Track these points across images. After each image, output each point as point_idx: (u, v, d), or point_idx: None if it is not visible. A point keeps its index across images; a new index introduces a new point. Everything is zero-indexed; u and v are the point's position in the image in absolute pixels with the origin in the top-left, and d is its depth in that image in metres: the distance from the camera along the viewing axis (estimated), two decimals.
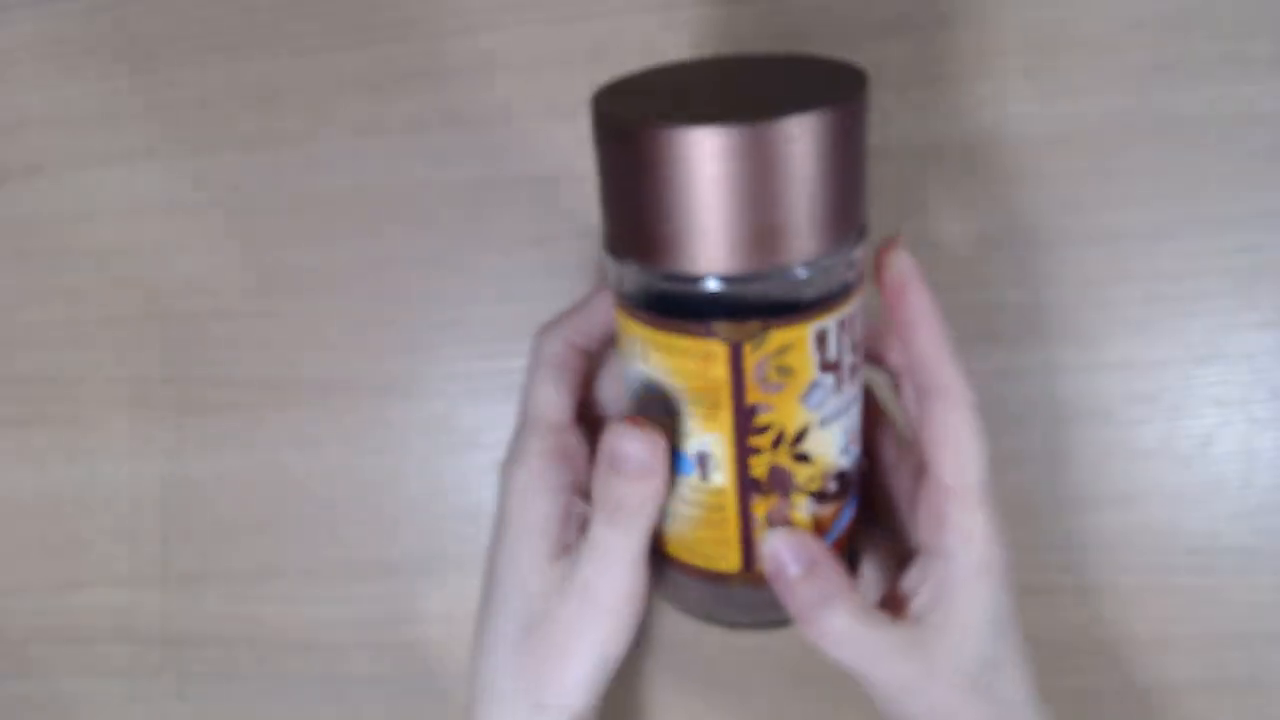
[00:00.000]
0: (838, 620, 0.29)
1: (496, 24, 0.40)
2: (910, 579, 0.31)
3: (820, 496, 0.30)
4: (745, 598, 0.31)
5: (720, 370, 0.27)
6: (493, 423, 0.43)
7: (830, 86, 0.26)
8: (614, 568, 0.30)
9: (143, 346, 0.44)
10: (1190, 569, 0.41)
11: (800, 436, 0.29)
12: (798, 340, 0.27)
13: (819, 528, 0.30)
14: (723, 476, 0.29)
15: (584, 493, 0.32)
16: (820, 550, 0.30)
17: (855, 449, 0.31)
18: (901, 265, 0.30)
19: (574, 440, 0.33)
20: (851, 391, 0.29)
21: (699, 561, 0.31)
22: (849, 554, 0.32)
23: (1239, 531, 0.41)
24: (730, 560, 0.31)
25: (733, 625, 0.33)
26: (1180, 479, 0.41)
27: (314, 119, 0.42)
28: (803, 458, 0.29)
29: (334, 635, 0.45)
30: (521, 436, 0.33)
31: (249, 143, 0.42)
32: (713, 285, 0.26)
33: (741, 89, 0.27)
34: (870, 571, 0.34)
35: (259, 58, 0.41)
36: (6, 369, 0.45)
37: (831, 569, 0.29)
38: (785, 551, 0.29)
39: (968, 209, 0.40)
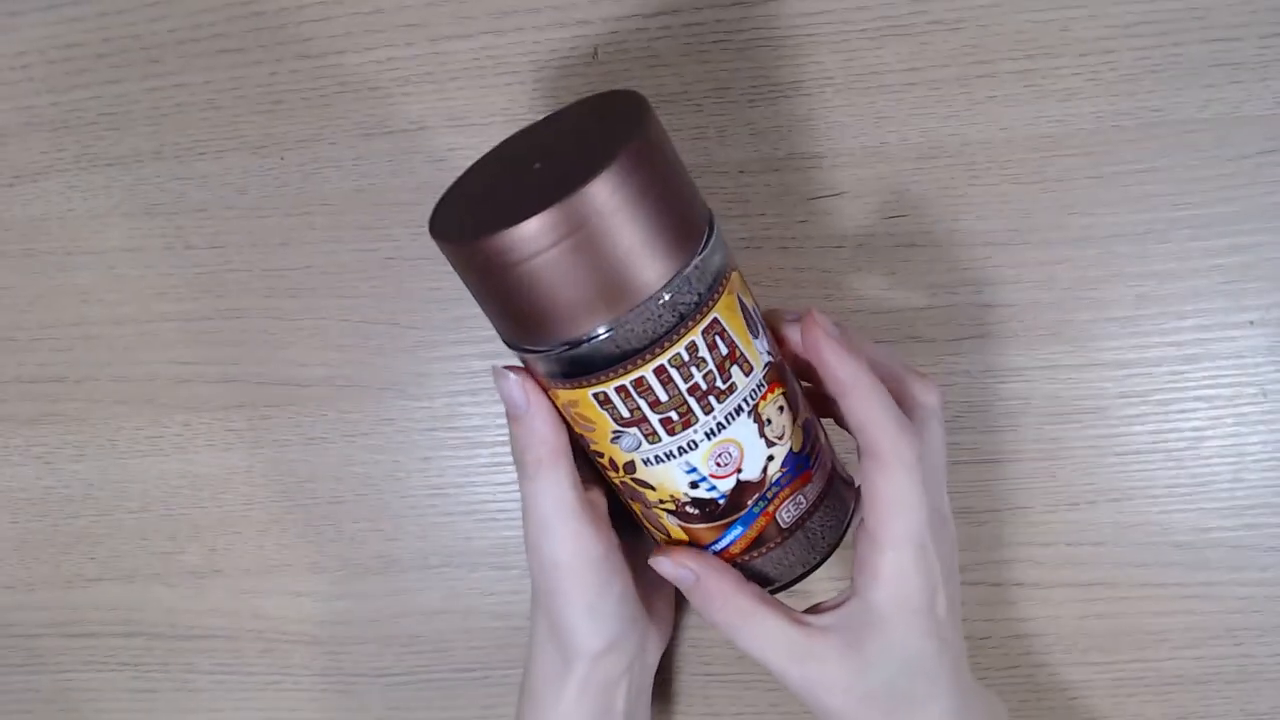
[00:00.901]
0: (716, 602, 0.32)
1: (497, 29, 0.41)
2: (829, 602, 0.33)
3: (679, 516, 0.32)
4: None
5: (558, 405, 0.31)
6: (494, 421, 0.44)
7: (618, 126, 0.28)
8: (549, 518, 0.33)
9: (151, 346, 0.44)
10: (1180, 564, 0.42)
11: (629, 468, 0.31)
12: (580, 399, 0.30)
13: (695, 539, 0.32)
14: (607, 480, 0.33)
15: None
16: (696, 565, 0.32)
17: (723, 482, 0.31)
18: (817, 341, 0.30)
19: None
20: (693, 434, 0.30)
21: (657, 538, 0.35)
22: (751, 567, 0.33)
23: (1229, 527, 0.41)
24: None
25: None
26: (1171, 476, 0.41)
27: (319, 121, 0.42)
28: (642, 484, 0.31)
29: (338, 629, 0.46)
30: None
31: (255, 145, 0.43)
32: (515, 353, 0.30)
33: (546, 165, 0.29)
34: None
35: (266, 61, 0.42)
36: (16, 368, 0.45)
37: (712, 581, 0.32)
38: (667, 569, 0.33)
39: (962, 209, 0.40)
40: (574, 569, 0.33)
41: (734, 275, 0.30)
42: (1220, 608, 0.42)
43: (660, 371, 0.28)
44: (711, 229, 0.29)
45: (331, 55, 0.42)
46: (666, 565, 0.33)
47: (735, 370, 0.29)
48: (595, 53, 0.41)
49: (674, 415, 0.29)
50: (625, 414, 0.29)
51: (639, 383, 0.29)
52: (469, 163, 0.31)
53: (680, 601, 0.43)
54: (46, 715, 0.48)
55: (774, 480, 0.31)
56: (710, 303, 0.29)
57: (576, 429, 0.31)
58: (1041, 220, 0.40)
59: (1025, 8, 0.39)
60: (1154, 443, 0.41)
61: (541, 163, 0.29)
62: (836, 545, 0.34)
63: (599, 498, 0.35)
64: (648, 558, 0.35)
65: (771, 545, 0.32)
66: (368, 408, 0.44)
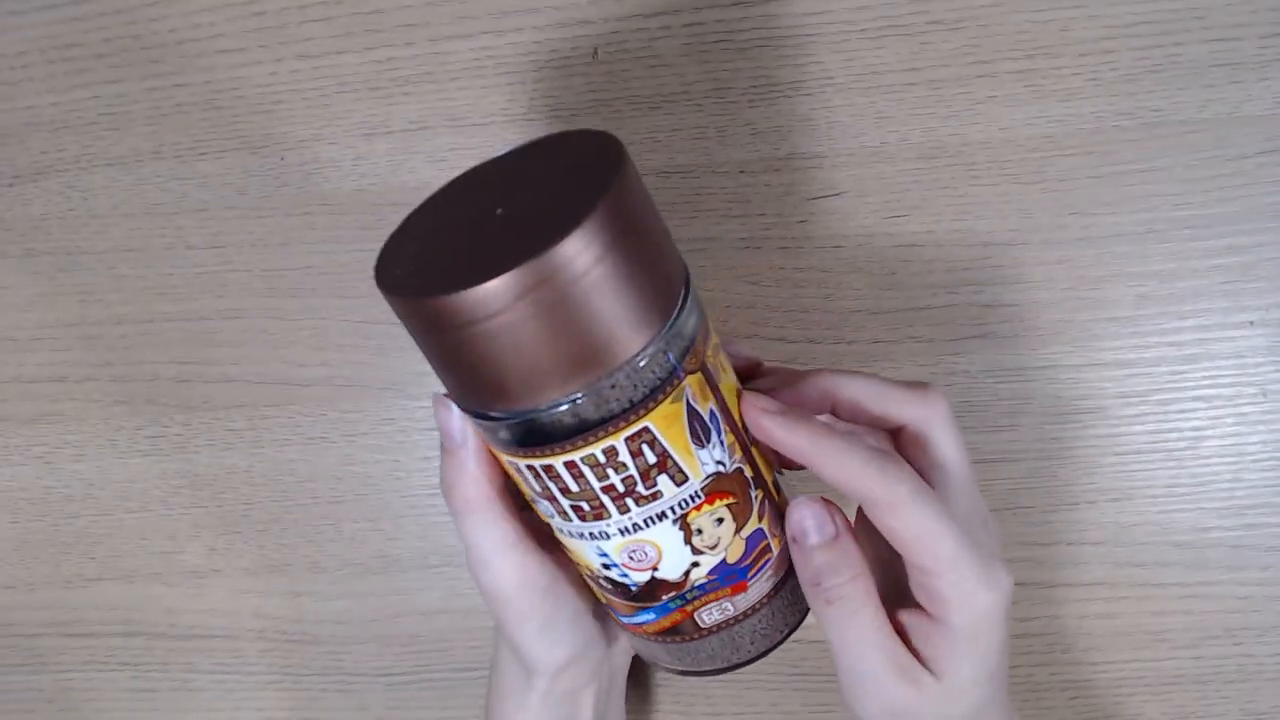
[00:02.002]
0: (846, 584, 0.30)
1: (497, 29, 0.41)
2: (915, 646, 0.31)
3: (600, 585, 0.31)
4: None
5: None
6: None
7: (592, 174, 0.25)
8: (486, 554, 0.32)
9: (150, 346, 0.44)
10: (1180, 564, 0.42)
11: (550, 529, 0.30)
12: (499, 459, 0.29)
13: (613, 607, 0.32)
14: None
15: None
16: (842, 523, 0.30)
17: (636, 574, 0.29)
18: (758, 422, 0.29)
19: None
20: (605, 527, 0.28)
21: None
22: (662, 648, 0.32)
23: (1228, 527, 0.41)
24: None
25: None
26: (1170, 476, 0.41)
27: (319, 121, 0.42)
28: (567, 548, 0.31)
29: (338, 629, 0.46)
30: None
31: (255, 145, 0.43)
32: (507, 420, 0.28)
33: (510, 212, 0.26)
34: None
35: (266, 61, 0.42)
36: (17, 368, 0.45)
37: (848, 542, 0.30)
38: (809, 519, 0.30)
39: (962, 209, 0.40)
40: (520, 599, 0.33)
41: (691, 379, 0.27)
42: (1220, 607, 0.42)
43: (571, 465, 0.26)
44: (669, 322, 0.26)
45: (331, 55, 0.42)
46: (802, 508, 0.30)
47: (663, 479, 0.27)
48: (595, 53, 0.41)
49: (585, 506, 0.28)
50: (537, 489, 0.28)
51: (548, 469, 0.27)
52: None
53: None
54: (46, 715, 0.48)
55: (697, 584, 0.29)
56: (644, 410, 0.26)
57: (522, 492, 0.31)
58: (1041, 220, 0.40)
59: (1025, 8, 0.39)
60: (1154, 443, 0.41)
61: (504, 209, 0.26)
62: (765, 653, 0.32)
63: None
64: None
65: (686, 638, 0.31)
66: (368, 408, 0.44)
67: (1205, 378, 0.41)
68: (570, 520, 0.28)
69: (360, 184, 0.42)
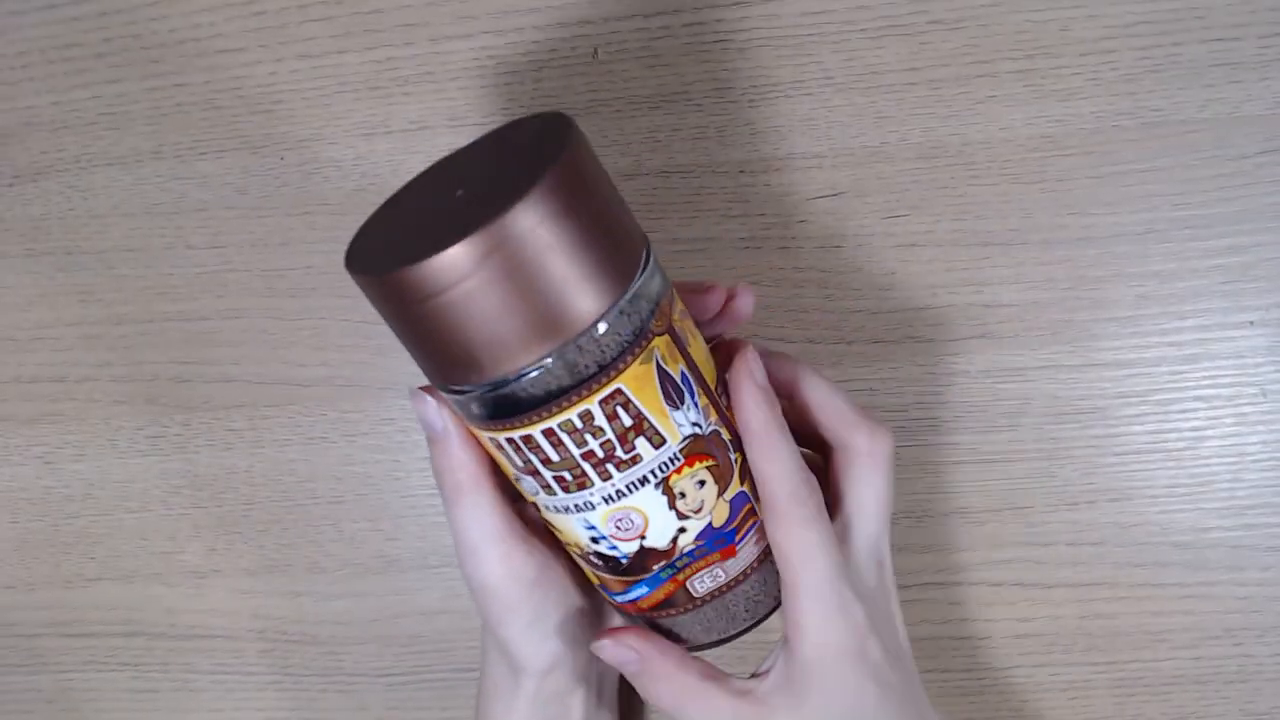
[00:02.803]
0: (661, 686, 0.32)
1: (497, 29, 0.41)
2: (767, 661, 0.33)
3: (587, 562, 0.31)
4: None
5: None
6: None
7: (542, 150, 0.26)
8: (476, 543, 0.32)
9: (150, 346, 0.44)
10: (1180, 564, 0.42)
11: (535, 506, 0.31)
12: (479, 438, 0.30)
13: (605, 585, 0.32)
14: None
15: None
16: (640, 642, 0.32)
17: (624, 544, 0.30)
18: (739, 383, 0.30)
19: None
20: (589, 496, 0.28)
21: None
22: (659, 624, 0.32)
23: (1228, 527, 0.41)
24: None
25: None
26: (1170, 476, 0.41)
27: (319, 121, 0.42)
28: (549, 524, 0.31)
29: (338, 629, 0.46)
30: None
31: (255, 145, 0.43)
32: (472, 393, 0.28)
33: (475, 190, 0.27)
34: None
35: (266, 61, 0.42)
36: (16, 368, 0.45)
37: (653, 653, 0.32)
38: (609, 653, 0.32)
39: (962, 209, 0.40)
40: (506, 592, 0.33)
41: (659, 341, 0.27)
42: (1220, 608, 0.42)
43: (549, 434, 0.27)
44: (630, 285, 0.26)
45: (331, 55, 0.42)
46: (608, 648, 0.32)
47: (641, 442, 0.27)
48: (595, 53, 0.41)
49: (567, 476, 0.28)
50: (519, 463, 0.28)
51: (528, 439, 0.27)
52: None
53: None
54: (46, 715, 0.48)
55: (685, 551, 0.30)
56: (614, 371, 0.26)
57: (501, 469, 0.31)
58: (1041, 220, 0.40)
59: (1025, 8, 0.39)
60: (1153, 443, 0.41)
61: (465, 190, 0.27)
62: (761, 620, 0.33)
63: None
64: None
65: (681, 610, 0.31)
66: (368, 408, 0.44)
67: (1205, 378, 0.41)
68: (555, 494, 0.29)
69: (360, 184, 0.42)
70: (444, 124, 0.42)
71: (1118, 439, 0.41)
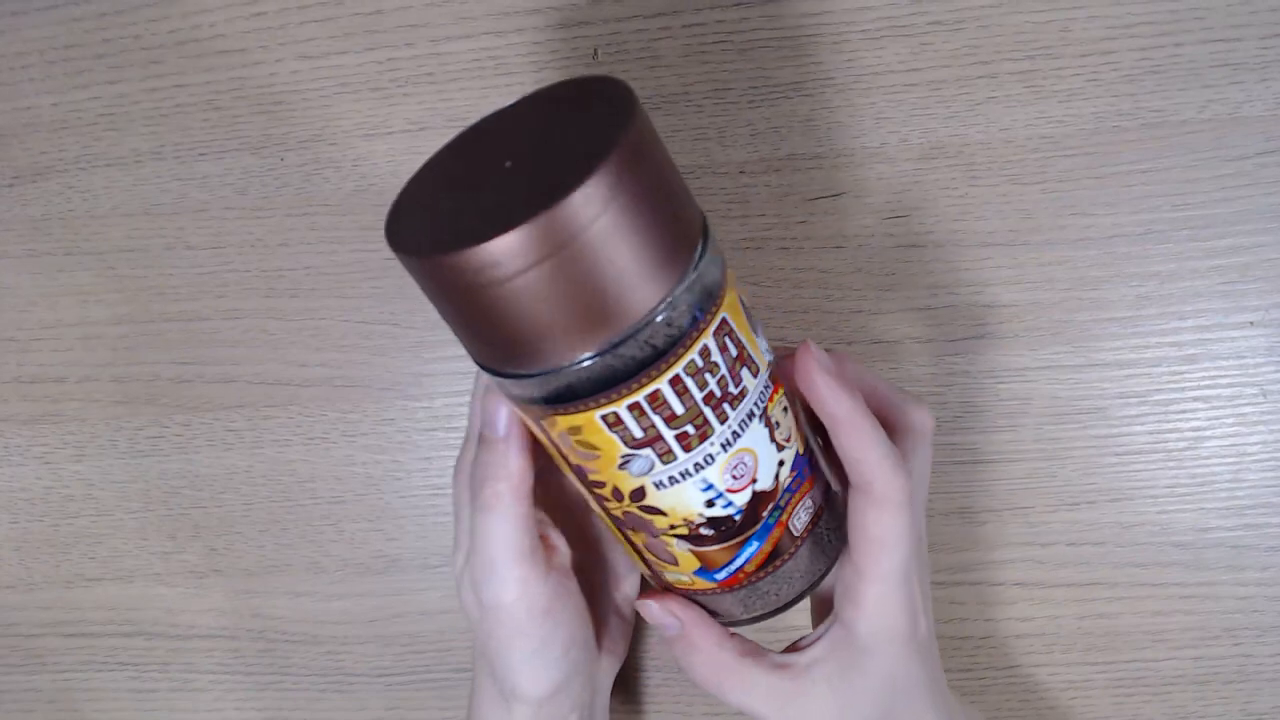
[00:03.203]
0: (698, 658, 0.32)
1: (497, 29, 0.41)
2: (811, 635, 0.33)
3: (690, 540, 0.30)
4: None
5: (541, 435, 0.29)
6: None
7: (604, 122, 0.25)
8: (498, 557, 0.32)
9: (151, 346, 0.44)
10: (1180, 564, 0.42)
11: (639, 494, 0.29)
12: (585, 424, 0.27)
13: (707, 564, 0.31)
14: (600, 512, 0.31)
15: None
16: (685, 615, 0.32)
17: (739, 496, 0.29)
18: (810, 374, 0.29)
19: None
20: (710, 448, 0.28)
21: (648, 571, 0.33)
22: (760, 587, 0.32)
23: (1228, 527, 0.41)
24: (659, 578, 0.33)
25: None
26: (1171, 476, 0.41)
27: (319, 121, 0.42)
28: (652, 510, 0.29)
29: (338, 629, 0.46)
30: (460, 451, 0.35)
31: (255, 145, 0.43)
32: (492, 378, 0.27)
33: (520, 164, 0.25)
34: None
35: (266, 61, 0.42)
36: (17, 368, 0.45)
37: (696, 634, 0.32)
38: (654, 613, 0.33)
39: (962, 209, 0.40)
40: (515, 616, 0.32)
41: (730, 272, 0.28)
42: (1220, 608, 0.42)
43: (676, 382, 0.26)
44: (707, 229, 0.27)
45: (331, 55, 0.42)
46: (654, 609, 0.32)
47: (745, 373, 0.28)
48: (595, 53, 0.41)
49: (690, 429, 0.27)
50: (638, 434, 0.27)
51: (654, 397, 0.26)
52: None
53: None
54: (46, 715, 0.48)
55: (785, 486, 0.30)
56: (717, 303, 0.26)
57: (571, 461, 0.29)
58: (1041, 220, 0.40)
59: (1025, 8, 0.39)
60: (1154, 443, 0.41)
61: (514, 161, 0.25)
62: (841, 549, 0.33)
63: (560, 542, 0.34)
64: (603, 578, 0.35)
65: (786, 557, 0.31)
66: (368, 408, 0.44)
67: (1205, 378, 0.41)
68: (674, 459, 0.28)
69: (360, 184, 0.42)
70: (444, 124, 0.42)
71: (1118, 439, 0.41)
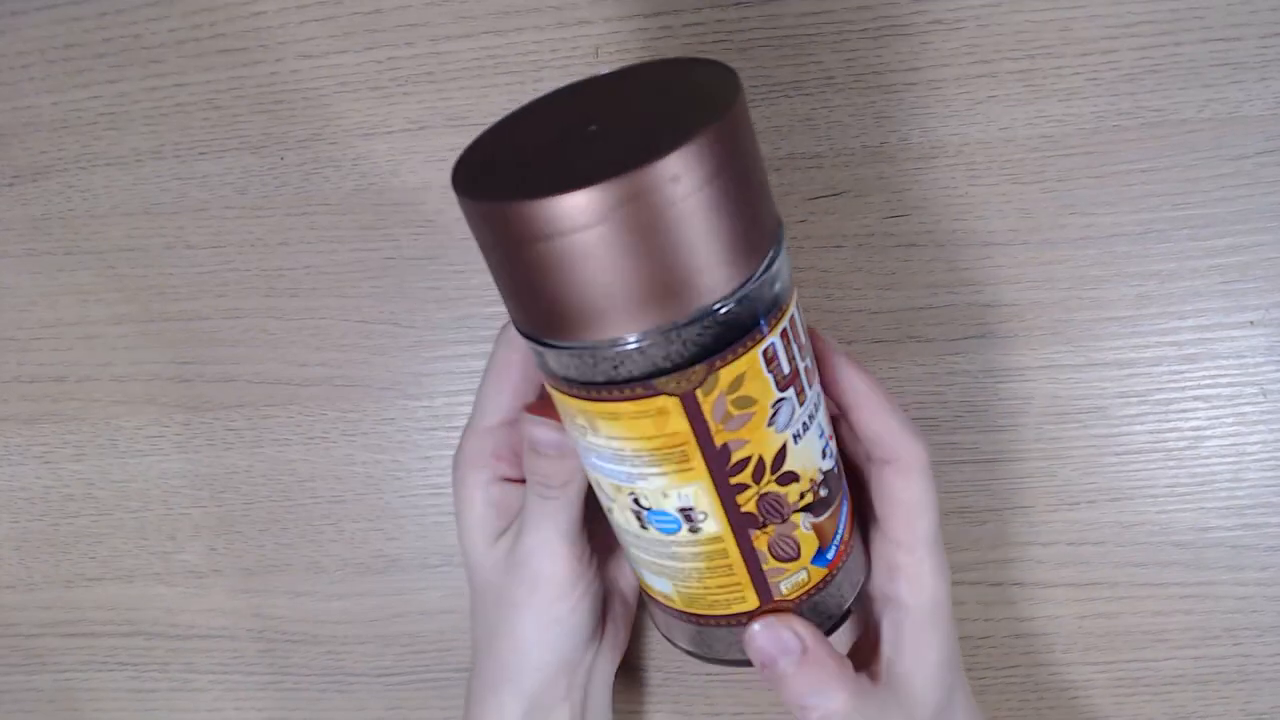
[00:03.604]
0: (834, 704, 0.31)
1: (497, 29, 0.41)
2: (875, 625, 0.33)
3: (814, 508, 0.29)
4: None
5: (678, 424, 0.26)
6: None
7: (700, 102, 0.24)
8: (549, 535, 0.33)
9: (151, 345, 0.44)
10: (1180, 564, 0.42)
11: (780, 459, 0.27)
12: (748, 369, 0.25)
13: (822, 537, 0.30)
14: (715, 524, 0.28)
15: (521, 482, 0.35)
16: (807, 633, 0.30)
17: (832, 442, 0.30)
18: (829, 353, 0.31)
19: (506, 436, 0.35)
20: (814, 389, 0.29)
21: (719, 610, 0.30)
22: (850, 565, 0.32)
23: (1228, 527, 0.41)
24: (748, 600, 0.30)
25: None
26: (1171, 475, 0.41)
27: (319, 121, 0.42)
28: (789, 477, 0.28)
29: (338, 629, 0.46)
30: (462, 436, 0.36)
31: (255, 145, 0.43)
32: (635, 346, 0.24)
33: (607, 128, 0.25)
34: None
35: (266, 61, 0.42)
36: (17, 367, 0.45)
37: (822, 653, 0.30)
38: (770, 647, 0.30)
39: (962, 209, 0.40)
40: (550, 586, 0.33)
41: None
42: (1220, 607, 0.42)
43: (792, 321, 0.27)
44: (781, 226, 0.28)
45: (331, 55, 0.42)
46: (767, 633, 0.30)
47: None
48: (596, 53, 0.41)
49: (809, 363, 0.28)
50: (786, 369, 0.26)
51: (791, 326, 0.26)
52: None
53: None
54: (46, 715, 0.48)
55: (835, 452, 0.31)
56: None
57: (716, 444, 0.26)
58: (1041, 220, 0.40)
59: (1025, 8, 0.39)
60: (1154, 442, 0.41)
61: (599, 125, 0.24)
62: (867, 568, 0.33)
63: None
64: (606, 580, 0.36)
65: (854, 535, 0.32)
66: (368, 408, 0.44)
67: (1205, 378, 0.41)
68: (805, 398, 0.28)
69: (360, 184, 0.42)
70: (444, 124, 0.42)
71: (1118, 439, 0.41)
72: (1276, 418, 0.41)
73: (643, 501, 0.28)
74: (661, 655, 0.44)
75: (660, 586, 0.31)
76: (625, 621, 0.39)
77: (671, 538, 0.29)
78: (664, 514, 0.28)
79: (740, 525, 0.28)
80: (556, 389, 0.27)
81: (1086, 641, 0.42)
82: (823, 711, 0.31)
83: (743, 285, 0.24)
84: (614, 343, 0.24)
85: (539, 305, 0.24)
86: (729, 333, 0.25)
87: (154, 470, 0.45)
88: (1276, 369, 0.40)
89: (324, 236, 0.43)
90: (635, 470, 0.27)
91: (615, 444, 0.27)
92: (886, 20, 0.39)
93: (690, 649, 0.33)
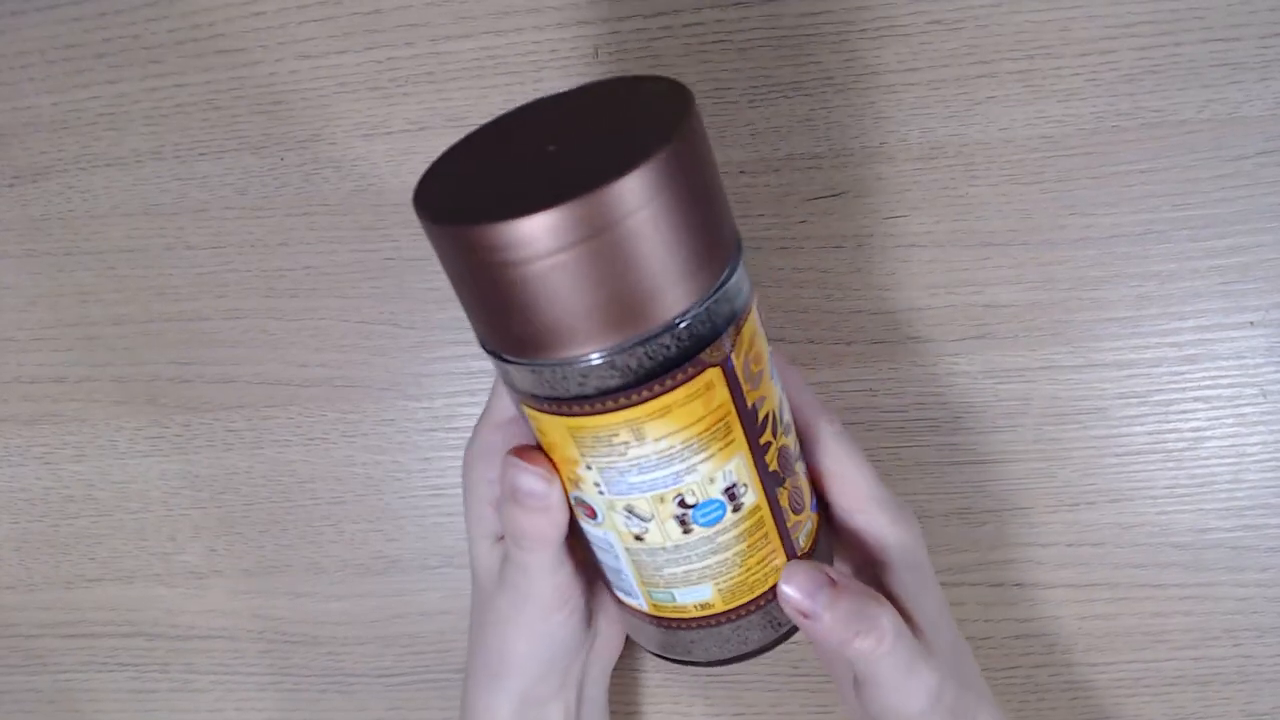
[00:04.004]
0: (884, 620, 0.30)
1: (497, 29, 0.41)
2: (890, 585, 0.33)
3: (800, 453, 0.31)
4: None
5: (721, 394, 0.26)
6: None
7: (657, 118, 0.24)
8: (533, 578, 0.32)
9: (150, 346, 0.44)
10: (1180, 565, 0.42)
11: (781, 409, 0.29)
12: (754, 323, 0.27)
13: (811, 481, 0.32)
14: (753, 494, 0.28)
15: None
16: (829, 569, 0.31)
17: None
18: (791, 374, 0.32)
19: (519, 432, 0.34)
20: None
21: (759, 590, 0.30)
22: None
23: (1228, 528, 0.41)
24: (779, 566, 0.30)
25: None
26: (1171, 476, 0.41)
27: (319, 121, 0.42)
28: (789, 427, 0.30)
29: (338, 630, 0.46)
30: (475, 429, 0.35)
31: (255, 145, 0.43)
32: (683, 323, 0.25)
33: (564, 149, 0.25)
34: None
35: (266, 61, 0.42)
36: (16, 368, 0.45)
37: (852, 581, 0.31)
38: (802, 591, 0.30)
39: (962, 209, 0.40)
40: (536, 607, 0.33)
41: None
42: (1220, 608, 0.42)
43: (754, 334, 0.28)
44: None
45: (331, 55, 0.42)
46: (800, 576, 0.30)
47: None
48: (595, 53, 0.41)
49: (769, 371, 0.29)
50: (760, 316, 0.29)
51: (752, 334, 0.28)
52: None
53: None
54: (46, 715, 0.48)
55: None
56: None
57: (750, 398, 0.27)
58: (1041, 220, 0.40)
59: (1025, 8, 0.39)
60: (1154, 443, 0.41)
61: (558, 145, 0.25)
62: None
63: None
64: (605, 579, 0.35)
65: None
66: (368, 408, 0.44)
67: (1205, 378, 0.41)
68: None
69: (360, 184, 0.42)
70: (444, 124, 0.42)
71: (1118, 439, 0.41)
72: (1276, 419, 0.41)
73: (689, 499, 0.28)
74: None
75: (699, 597, 0.30)
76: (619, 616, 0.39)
77: (716, 528, 0.29)
78: (710, 503, 0.28)
79: (770, 486, 0.29)
80: (593, 413, 0.26)
81: (1086, 642, 0.42)
82: (878, 632, 0.30)
83: (738, 246, 0.26)
84: (667, 326, 0.24)
85: (570, 317, 0.24)
86: (736, 296, 0.26)
87: (154, 471, 0.45)
88: (1276, 370, 0.40)
89: (324, 237, 0.43)
90: (684, 465, 0.27)
91: (664, 444, 0.26)
92: (886, 20, 0.39)
93: (729, 655, 0.32)
